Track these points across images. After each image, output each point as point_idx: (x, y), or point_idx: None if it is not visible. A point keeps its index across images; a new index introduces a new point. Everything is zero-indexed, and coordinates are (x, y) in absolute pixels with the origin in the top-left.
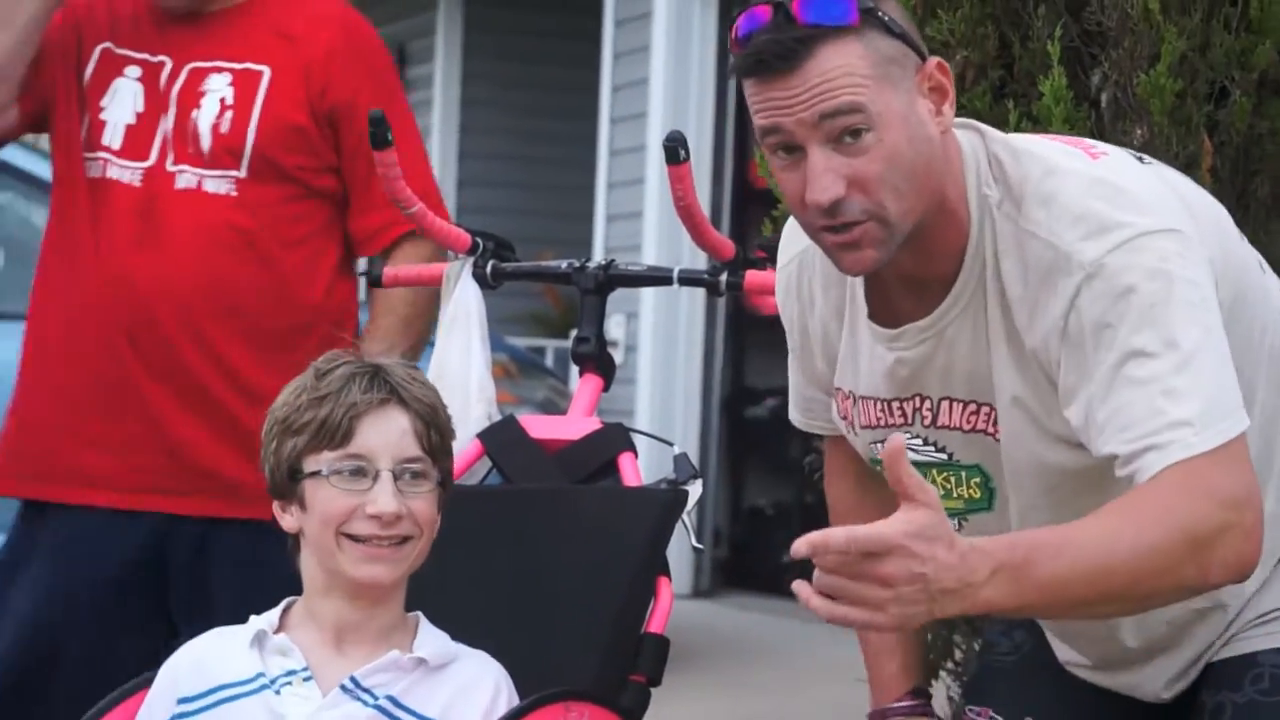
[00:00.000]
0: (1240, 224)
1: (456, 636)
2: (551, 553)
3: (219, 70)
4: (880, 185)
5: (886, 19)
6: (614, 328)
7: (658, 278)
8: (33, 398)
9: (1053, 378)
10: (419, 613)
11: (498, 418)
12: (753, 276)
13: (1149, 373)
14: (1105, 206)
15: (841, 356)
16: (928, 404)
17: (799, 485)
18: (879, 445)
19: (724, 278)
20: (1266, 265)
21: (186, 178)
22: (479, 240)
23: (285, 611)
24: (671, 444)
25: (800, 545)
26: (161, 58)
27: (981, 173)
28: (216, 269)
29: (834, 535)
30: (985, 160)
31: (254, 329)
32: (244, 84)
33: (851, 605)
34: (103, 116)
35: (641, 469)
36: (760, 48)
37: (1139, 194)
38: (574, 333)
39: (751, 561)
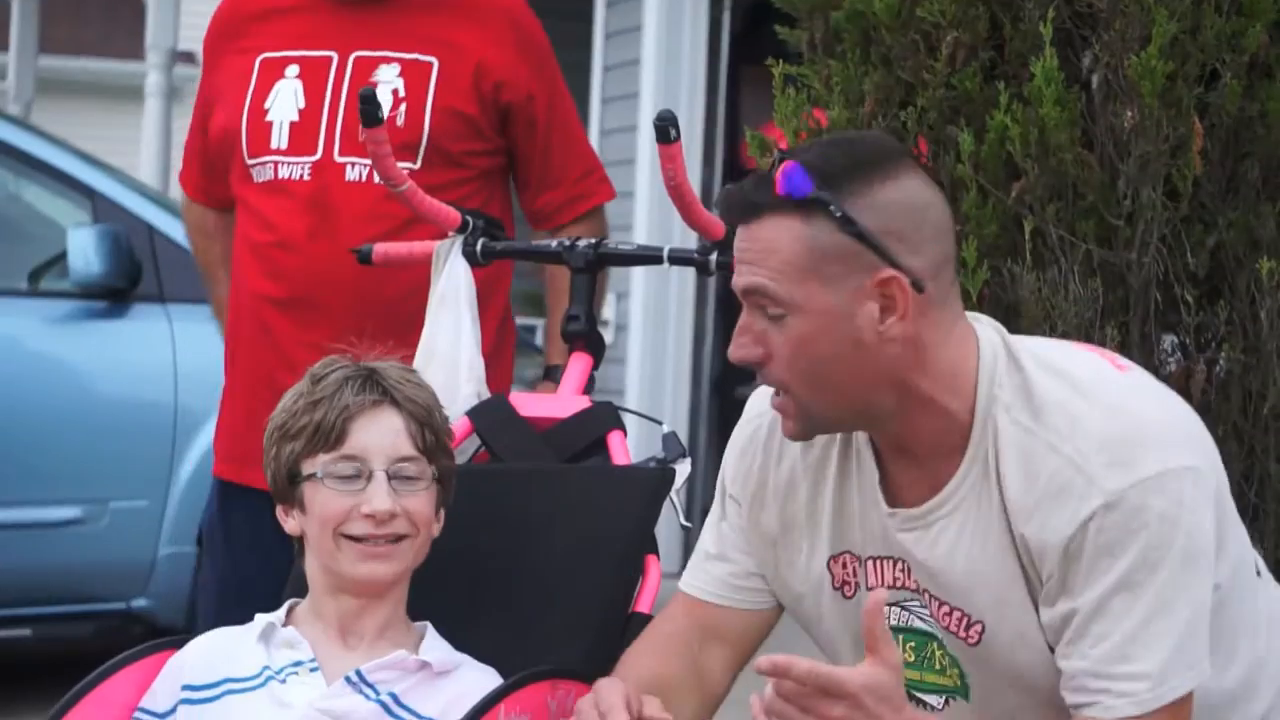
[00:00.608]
0: (1230, 207)
1: (445, 614)
2: (540, 531)
3: (387, 61)
4: (788, 366)
5: (840, 214)
6: (604, 307)
7: (648, 256)
8: (230, 387)
9: (1039, 581)
10: (427, 623)
11: (487, 396)
12: None
13: (1127, 611)
14: (1132, 436)
15: (845, 516)
16: (914, 583)
17: None
18: (893, 610)
19: (714, 257)
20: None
21: (357, 169)
22: (469, 218)
23: (290, 611)
24: (660, 422)
25: (764, 663)
26: (325, 52)
27: (999, 371)
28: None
29: (798, 664)
30: (1004, 358)
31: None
32: (413, 75)
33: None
34: (268, 119)
35: (630, 448)
36: (728, 196)
37: (1163, 424)
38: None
39: None
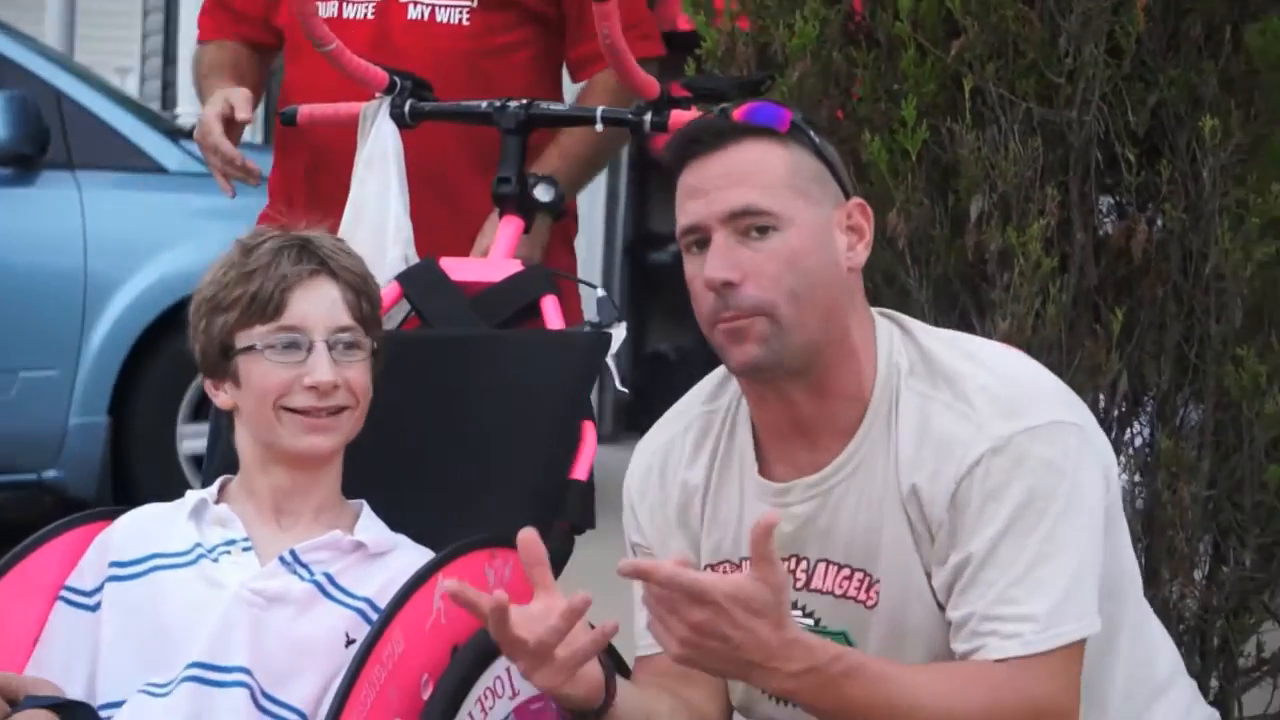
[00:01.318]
0: (1171, 65)
1: (378, 483)
2: (473, 398)
3: None
4: (775, 283)
5: (817, 141)
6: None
7: (580, 117)
8: None
9: (929, 537)
10: (363, 501)
11: (415, 260)
12: (678, 116)
13: (1014, 558)
14: (1021, 391)
15: (716, 527)
16: (803, 566)
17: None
18: None
19: (648, 117)
20: None
21: (419, 9)
22: (396, 79)
23: (223, 488)
24: (595, 286)
25: (625, 565)
26: None
27: (895, 343)
28: (448, 96)
29: (660, 568)
30: (899, 333)
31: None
32: None
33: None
34: None
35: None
36: (694, 129)
37: (1054, 389)
38: None
39: (653, 406)
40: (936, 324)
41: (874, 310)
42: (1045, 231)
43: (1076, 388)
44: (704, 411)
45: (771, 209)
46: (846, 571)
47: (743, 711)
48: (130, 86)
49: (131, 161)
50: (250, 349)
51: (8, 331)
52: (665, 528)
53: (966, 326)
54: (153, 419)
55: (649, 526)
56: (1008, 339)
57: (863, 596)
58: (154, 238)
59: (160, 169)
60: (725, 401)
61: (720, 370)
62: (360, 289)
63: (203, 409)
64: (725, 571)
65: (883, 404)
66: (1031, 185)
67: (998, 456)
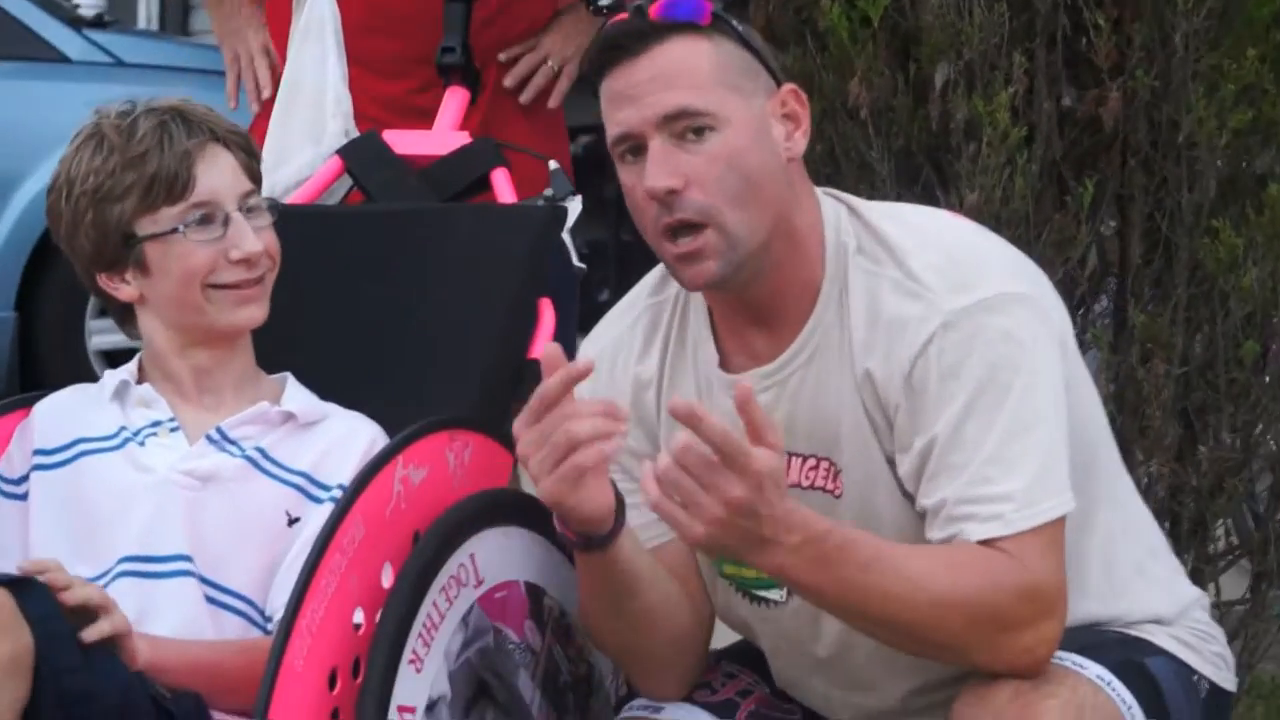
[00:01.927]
0: None
1: (325, 369)
2: (423, 276)
3: None
4: (718, 186)
5: (741, 29)
6: None
7: None
8: None
9: (887, 425)
10: (287, 373)
11: (355, 133)
12: None
13: (983, 437)
14: (971, 264)
15: (672, 423)
16: None
17: (614, 223)
18: None
19: None
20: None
21: None
22: None
23: (142, 368)
24: (547, 159)
25: (680, 405)
26: None
27: (841, 223)
28: None
29: (712, 421)
30: (845, 213)
31: None
32: None
33: (681, 506)
34: None
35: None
36: (612, 33)
37: (1003, 259)
38: None
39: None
40: (899, 198)
41: (820, 191)
42: (1012, 100)
43: (1044, 263)
44: (651, 304)
45: (706, 108)
46: (813, 461)
47: (722, 616)
48: None
49: (32, 50)
50: (162, 234)
51: None
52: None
53: (930, 200)
54: (60, 314)
55: None
56: (974, 212)
57: (830, 486)
58: (57, 130)
59: (63, 58)
60: (672, 292)
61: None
62: (248, 149)
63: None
64: None
65: (834, 286)
66: (997, 52)
67: (951, 332)
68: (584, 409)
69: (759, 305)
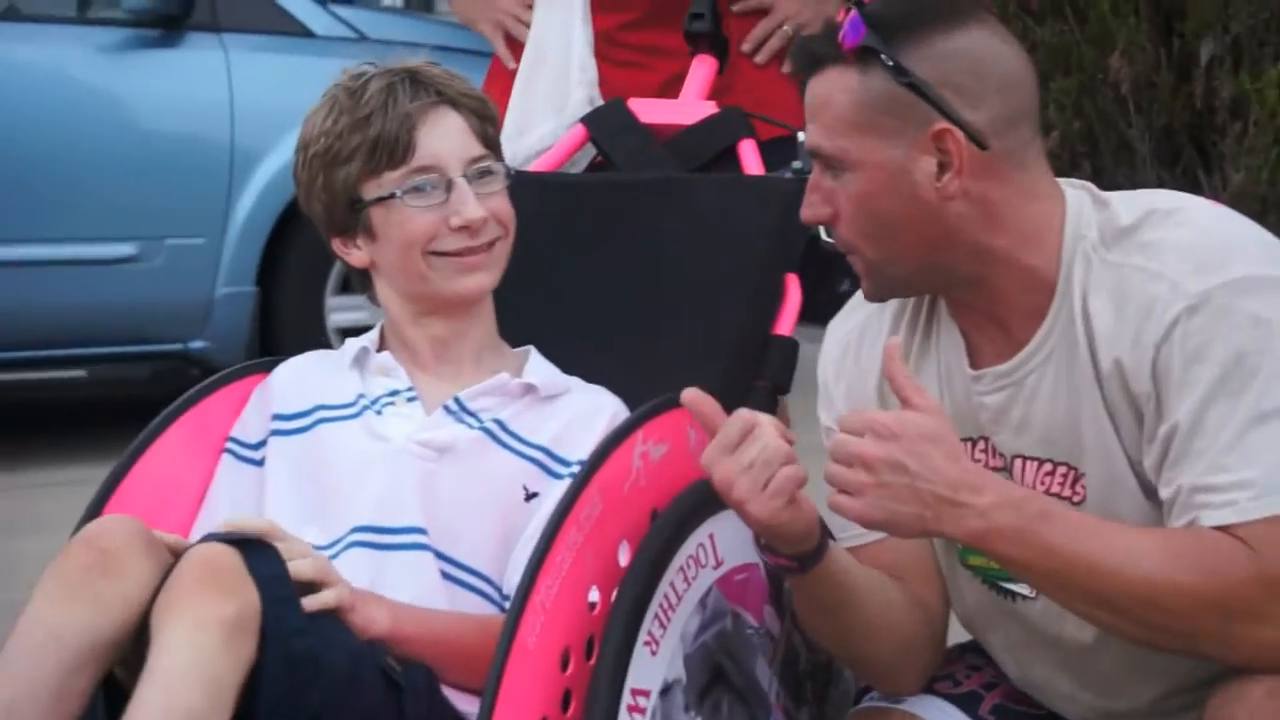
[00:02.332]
0: None
1: (566, 341)
2: (667, 248)
3: None
4: (850, 224)
5: (892, 64)
6: None
7: None
8: None
9: (1134, 419)
10: (530, 346)
11: (600, 102)
12: None
13: (1225, 422)
14: (1219, 246)
15: None
16: (999, 462)
17: None
18: None
19: None
20: None
21: None
22: None
23: (383, 336)
24: (795, 130)
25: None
26: None
27: (1084, 216)
28: None
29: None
30: (1090, 203)
31: None
32: None
33: (838, 491)
34: None
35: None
36: (803, 46)
37: (1254, 242)
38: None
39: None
40: (1159, 179)
41: (1064, 183)
42: None
43: None
44: None
45: (832, 152)
46: (1049, 467)
47: (961, 614)
48: None
49: (278, 24)
50: (384, 199)
51: (154, 198)
52: (865, 404)
53: (1191, 181)
54: (300, 290)
55: (845, 408)
56: (1239, 194)
57: (1068, 492)
58: (301, 104)
59: (308, 33)
60: None
61: None
62: (482, 113)
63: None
64: None
65: (1071, 284)
66: (1267, 28)
67: (1196, 315)
68: (768, 429)
69: (982, 309)
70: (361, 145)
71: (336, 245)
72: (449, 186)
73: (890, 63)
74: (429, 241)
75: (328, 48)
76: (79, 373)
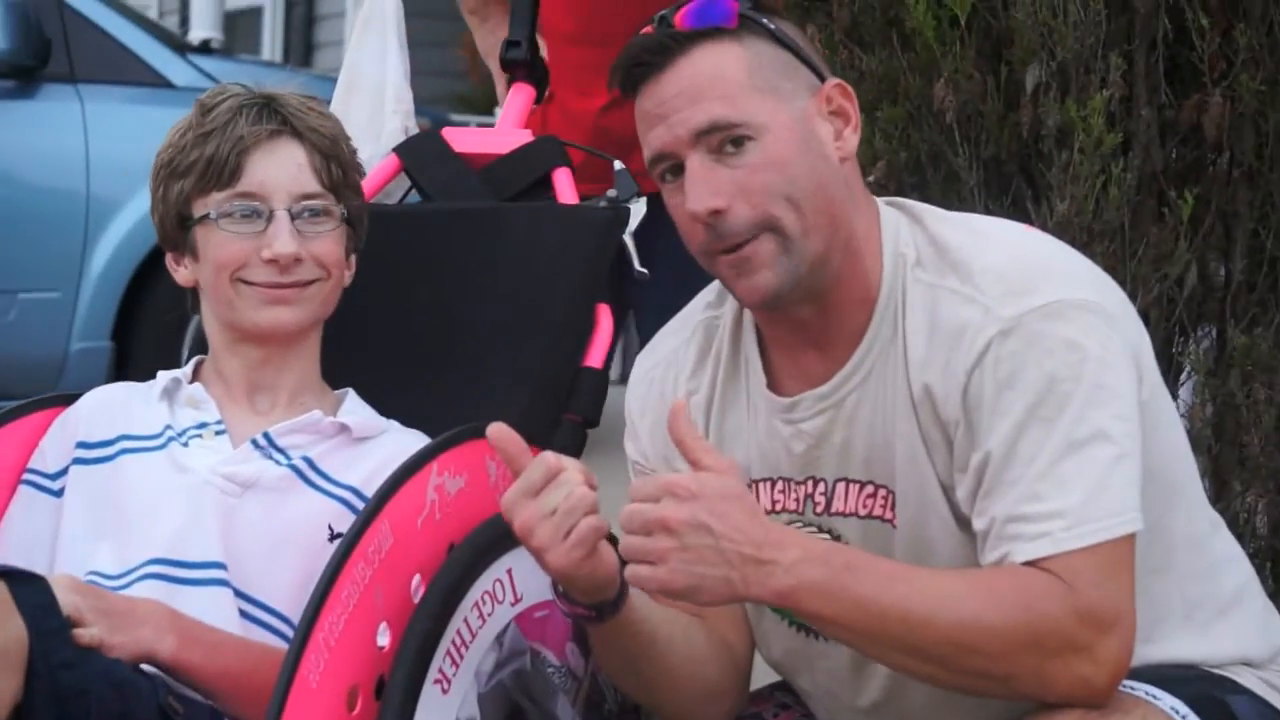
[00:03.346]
0: None
1: (375, 371)
2: (478, 277)
3: None
4: (766, 195)
5: (773, 28)
6: None
7: None
8: None
9: (944, 443)
10: (349, 389)
11: (415, 131)
12: None
13: (1038, 450)
14: (1033, 270)
15: (724, 444)
16: (821, 488)
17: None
18: None
19: None
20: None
21: None
22: None
23: (196, 368)
24: (612, 160)
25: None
26: None
27: (901, 233)
28: None
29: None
30: (906, 222)
31: None
32: None
33: (641, 561)
34: None
35: None
36: (635, 49)
37: (1069, 266)
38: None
39: None
40: (988, 209)
41: (880, 200)
42: (1108, 105)
43: (1140, 279)
44: (707, 318)
45: (740, 118)
46: (870, 489)
47: (766, 655)
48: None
49: (137, 76)
50: (206, 218)
51: (7, 251)
52: (668, 445)
53: (1020, 211)
54: (157, 345)
55: (649, 445)
56: (1065, 224)
57: (888, 515)
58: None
59: (166, 83)
60: (729, 307)
61: None
62: (329, 152)
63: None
64: None
65: (890, 302)
66: (1093, 54)
67: (1008, 339)
68: (573, 475)
69: (813, 324)
70: (197, 162)
71: (168, 260)
72: (269, 217)
73: (773, 27)
74: (238, 268)
75: (187, 99)
76: None
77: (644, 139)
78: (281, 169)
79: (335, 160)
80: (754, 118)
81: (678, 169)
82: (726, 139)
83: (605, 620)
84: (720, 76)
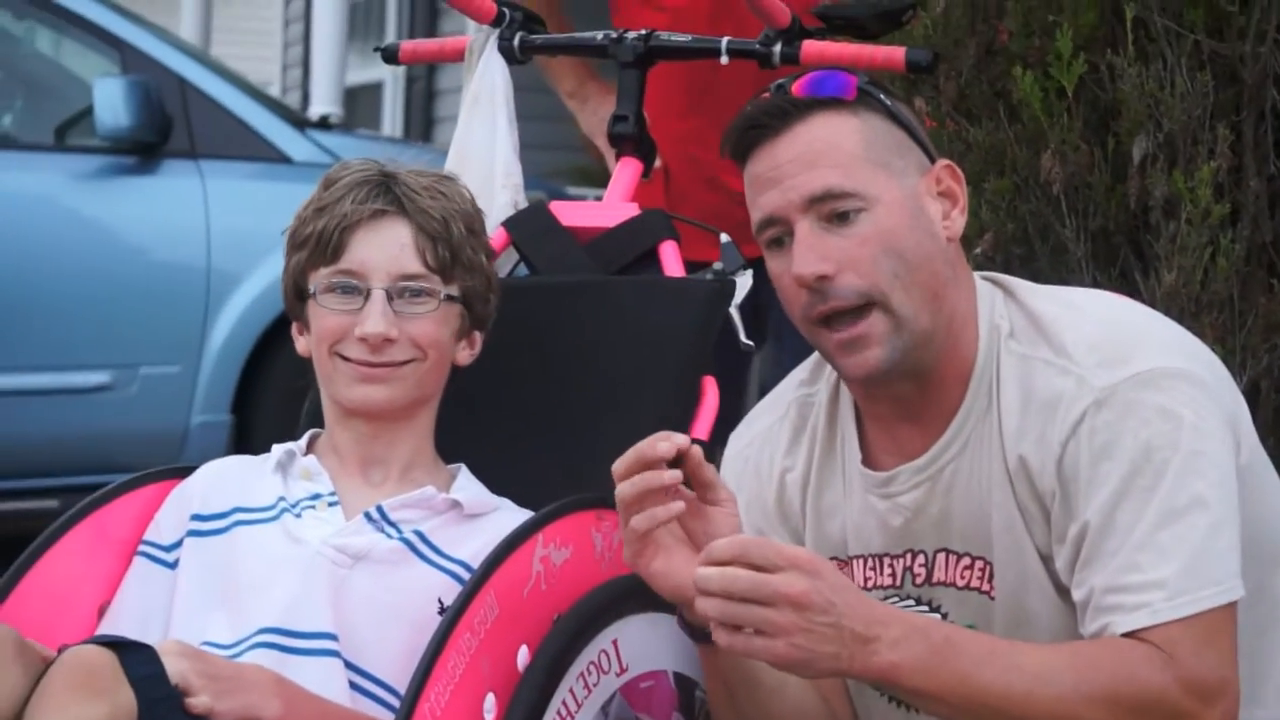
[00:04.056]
0: None
1: (484, 446)
2: (585, 350)
3: None
4: (874, 267)
5: (889, 104)
6: None
7: (704, 49)
8: None
9: (1042, 515)
10: (462, 465)
11: (524, 205)
12: (809, 47)
13: (1135, 522)
14: (1126, 339)
15: (820, 521)
16: (921, 560)
17: None
18: None
19: (778, 48)
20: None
21: None
22: (505, 10)
23: (311, 441)
24: (718, 232)
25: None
26: None
27: (996, 306)
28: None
29: (745, 544)
30: (1001, 296)
31: None
32: None
33: (753, 631)
34: None
35: None
36: (753, 112)
37: (1162, 335)
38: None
39: None
40: (1095, 281)
41: (977, 275)
42: (1216, 176)
43: (1250, 350)
44: (800, 396)
45: (853, 189)
46: (967, 560)
47: (863, 716)
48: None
49: (256, 151)
50: (314, 293)
51: (129, 325)
52: (765, 521)
53: (1128, 282)
54: (277, 418)
55: (746, 521)
56: (1173, 295)
57: (985, 587)
58: (279, 230)
59: (285, 159)
60: (823, 385)
61: (816, 354)
62: (438, 233)
63: None
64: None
65: (985, 374)
66: (1200, 125)
67: (1103, 410)
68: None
69: (912, 399)
70: (311, 236)
71: (293, 330)
72: (367, 295)
73: (889, 103)
74: (335, 343)
75: (306, 174)
76: (51, 503)
77: (753, 203)
78: (383, 249)
79: (444, 241)
80: (867, 189)
81: (785, 236)
82: (836, 211)
83: (700, 641)
84: (836, 146)
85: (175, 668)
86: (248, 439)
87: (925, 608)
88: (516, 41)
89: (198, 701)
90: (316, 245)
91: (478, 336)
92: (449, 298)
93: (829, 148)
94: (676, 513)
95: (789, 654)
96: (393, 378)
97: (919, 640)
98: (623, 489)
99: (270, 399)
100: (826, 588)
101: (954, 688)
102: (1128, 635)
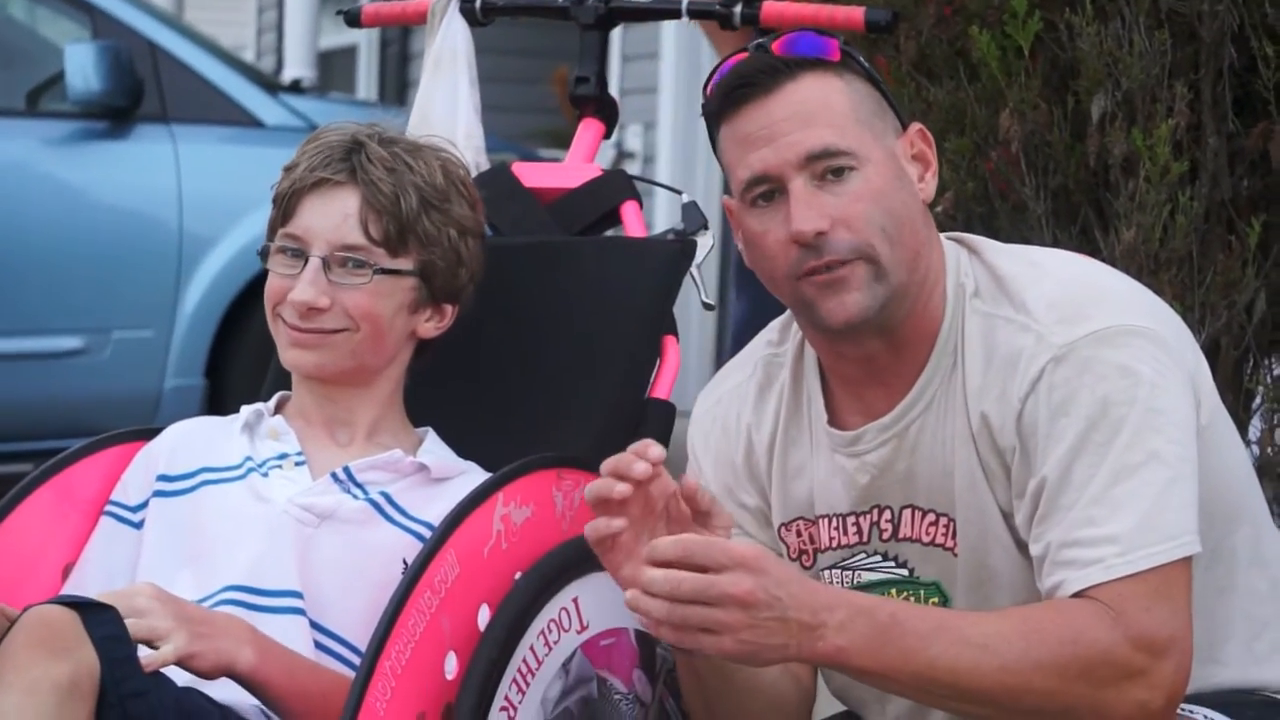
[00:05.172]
0: None
1: (446, 405)
2: (547, 311)
3: None
4: (866, 224)
5: (868, 67)
6: (630, 138)
7: (664, 10)
8: None
9: (1003, 471)
10: (429, 428)
11: (486, 167)
12: (769, 7)
13: (1091, 474)
14: (1086, 297)
15: (786, 481)
16: (887, 515)
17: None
18: (836, 573)
19: (738, 9)
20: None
21: None
22: None
23: (280, 403)
24: (680, 192)
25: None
26: None
27: (961, 265)
28: None
29: (689, 542)
30: (966, 255)
31: None
32: None
33: (697, 630)
34: None
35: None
36: (741, 70)
37: (1122, 293)
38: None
39: None
40: (1055, 239)
41: (943, 236)
42: (1174, 133)
43: (1209, 307)
44: (768, 355)
45: (848, 148)
46: (932, 517)
47: (836, 691)
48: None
49: (228, 115)
50: (269, 252)
51: (102, 290)
52: (733, 479)
53: (1088, 240)
54: (251, 382)
55: (714, 480)
56: (1131, 252)
57: (949, 543)
58: (251, 194)
59: (257, 123)
60: (790, 346)
61: (786, 314)
62: (384, 207)
63: None
64: (799, 531)
65: (951, 333)
66: (1159, 83)
67: (1061, 366)
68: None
69: (879, 358)
70: (276, 196)
71: None
72: (307, 261)
73: (868, 66)
74: (275, 305)
75: (278, 138)
76: (25, 466)
77: (740, 161)
78: (327, 217)
79: (391, 215)
80: (859, 148)
81: (773, 193)
82: (830, 168)
83: None
84: (828, 105)
85: (149, 605)
86: (221, 403)
87: (892, 563)
88: (479, 4)
89: (165, 651)
90: (275, 206)
91: (448, 309)
92: (391, 271)
93: (821, 107)
94: (617, 530)
95: (736, 649)
96: (322, 345)
97: (864, 622)
98: (586, 494)
99: (244, 363)
100: (772, 583)
101: (901, 665)
102: (1080, 593)
